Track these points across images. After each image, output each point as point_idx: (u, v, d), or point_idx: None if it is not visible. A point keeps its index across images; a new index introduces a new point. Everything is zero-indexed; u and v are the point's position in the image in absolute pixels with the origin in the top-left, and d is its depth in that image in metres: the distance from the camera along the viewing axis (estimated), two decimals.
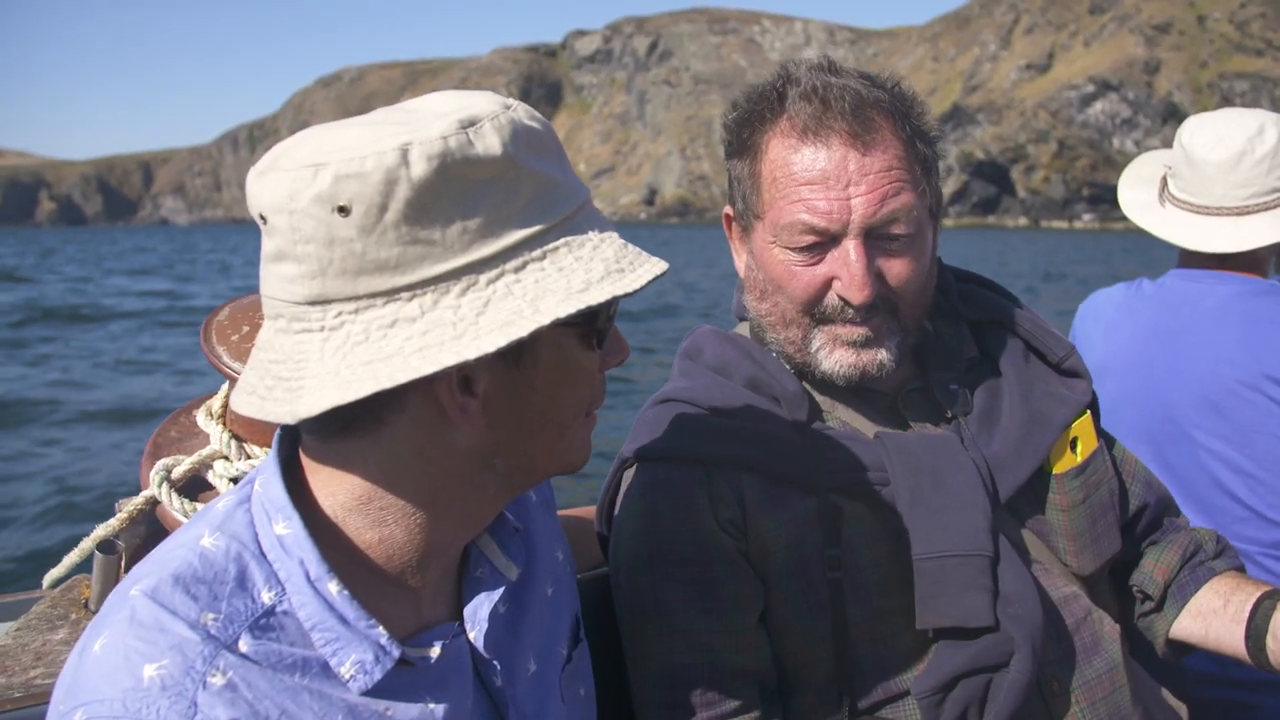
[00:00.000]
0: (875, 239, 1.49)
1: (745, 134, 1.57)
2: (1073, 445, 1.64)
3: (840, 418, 1.63)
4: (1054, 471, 1.62)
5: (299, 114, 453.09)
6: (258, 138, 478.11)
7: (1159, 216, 2.51)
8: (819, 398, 1.64)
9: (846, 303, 1.50)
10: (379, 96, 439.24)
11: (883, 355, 1.53)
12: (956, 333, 1.69)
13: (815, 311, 1.53)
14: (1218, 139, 2.39)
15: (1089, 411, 1.68)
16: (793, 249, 1.50)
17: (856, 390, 1.61)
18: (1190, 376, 2.34)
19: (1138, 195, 2.61)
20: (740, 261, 1.67)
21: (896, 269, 1.51)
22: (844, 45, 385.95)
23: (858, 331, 1.52)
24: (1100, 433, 1.72)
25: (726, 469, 1.54)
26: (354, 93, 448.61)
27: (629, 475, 1.62)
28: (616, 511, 1.61)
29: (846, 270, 1.48)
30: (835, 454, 1.54)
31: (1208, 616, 1.72)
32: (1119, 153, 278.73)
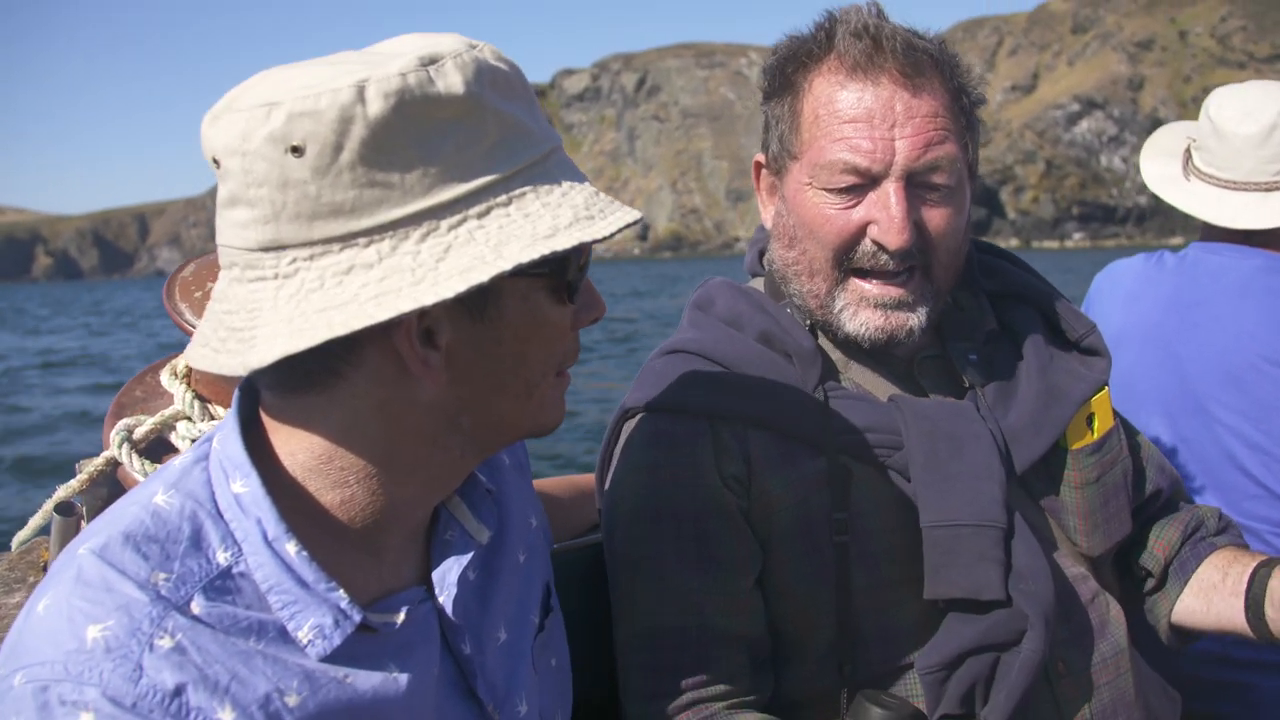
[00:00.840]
0: (916, 186, 1.45)
1: (789, 70, 1.52)
2: (1089, 422, 1.61)
3: (854, 378, 1.59)
4: (1070, 447, 1.58)
5: None
6: None
7: (1183, 190, 2.47)
8: (833, 356, 1.59)
9: (882, 248, 1.45)
10: None
11: (913, 320, 1.50)
12: (976, 304, 1.66)
13: (845, 260, 1.48)
14: (1246, 112, 2.36)
15: (1106, 388, 1.65)
16: (830, 190, 1.46)
17: (872, 352, 1.57)
18: (1210, 350, 2.31)
19: (1161, 167, 2.56)
20: (767, 213, 1.63)
21: (936, 220, 1.47)
22: None
23: (890, 292, 1.48)
24: (1116, 413, 1.69)
25: (734, 423, 1.50)
26: None
27: (630, 426, 1.58)
28: (615, 463, 1.58)
29: (885, 213, 1.43)
30: (847, 414, 1.50)
31: (1208, 592, 1.68)
32: (1107, 170, 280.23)
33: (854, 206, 1.46)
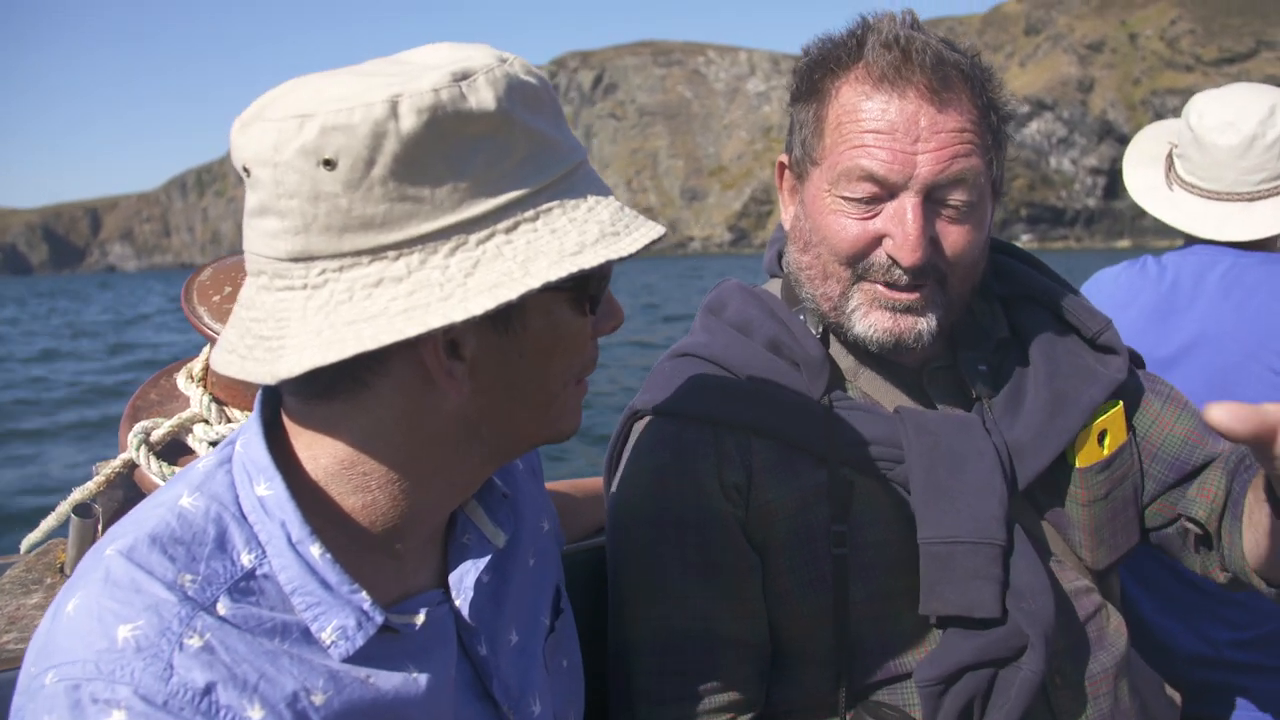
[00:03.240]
0: (934, 201, 1.43)
1: (816, 76, 1.50)
2: (1100, 439, 1.58)
3: (862, 387, 1.58)
4: (1078, 465, 1.57)
5: None
6: (206, 181, 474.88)
7: (1167, 201, 2.45)
8: (842, 364, 1.59)
9: (895, 263, 1.43)
10: None
11: (922, 325, 1.47)
12: (989, 309, 1.65)
13: (858, 267, 1.47)
14: (1227, 123, 2.32)
15: (1121, 402, 1.61)
16: (848, 198, 1.44)
17: (881, 361, 1.56)
18: (1194, 354, 2.30)
19: (1145, 176, 2.54)
20: (788, 214, 1.62)
21: (953, 237, 1.44)
22: (789, 73, 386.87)
23: (901, 297, 1.46)
24: (1131, 426, 1.65)
25: (738, 431, 1.50)
26: None
27: (638, 428, 1.58)
28: (621, 465, 1.58)
29: (901, 228, 1.41)
30: (851, 426, 1.50)
31: (1252, 514, 1.51)
32: (1056, 172, 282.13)
33: (871, 217, 1.45)
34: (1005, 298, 1.66)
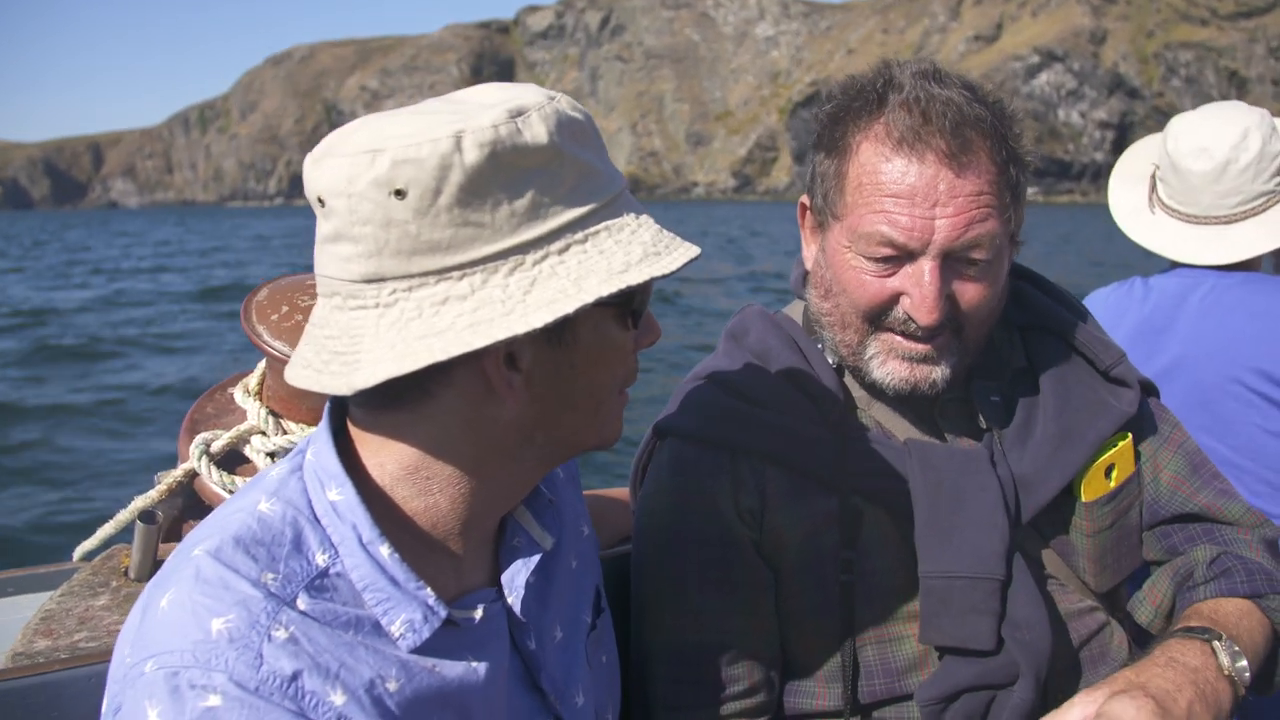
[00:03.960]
0: (953, 261, 1.47)
1: (838, 131, 1.53)
2: (1107, 473, 1.63)
3: (875, 417, 1.63)
4: (1084, 499, 1.61)
5: (249, 93, 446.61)
6: (209, 118, 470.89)
7: (1149, 224, 2.49)
8: (856, 394, 1.64)
9: (911, 319, 1.49)
10: (330, 74, 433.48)
11: (937, 374, 1.52)
12: (1007, 338, 1.69)
13: (876, 319, 1.53)
14: (1201, 148, 2.36)
15: (1130, 435, 1.65)
16: (867, 257, 1.49)
17: (897, 394, 1.61)
18: (1176, 373, 2.34)
19: (1129, 197, 2.58)
20: (809, 252, 1.66)
21: (970, 294, 1.49)
22: (798, 19, 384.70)
23: (918, 348, 1.51)
24: (1138, 454, 1.69)
25: (753, 458, 1.57)
26: (304, 71, 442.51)
27: (661, 448, 1.65)
28: (645, 482, 1.65)
29: (919, 290, 1.46)
30: (863, 456, 1.56)
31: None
32: (1064, 125, 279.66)
33: (889, 275, 1.49)
34: (1023, 327, 1.70)
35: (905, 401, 1.61)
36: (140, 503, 1.58)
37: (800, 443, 1.56)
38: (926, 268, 1.44)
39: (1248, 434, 2.26)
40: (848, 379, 1.64)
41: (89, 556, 1.68)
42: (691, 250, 1.11)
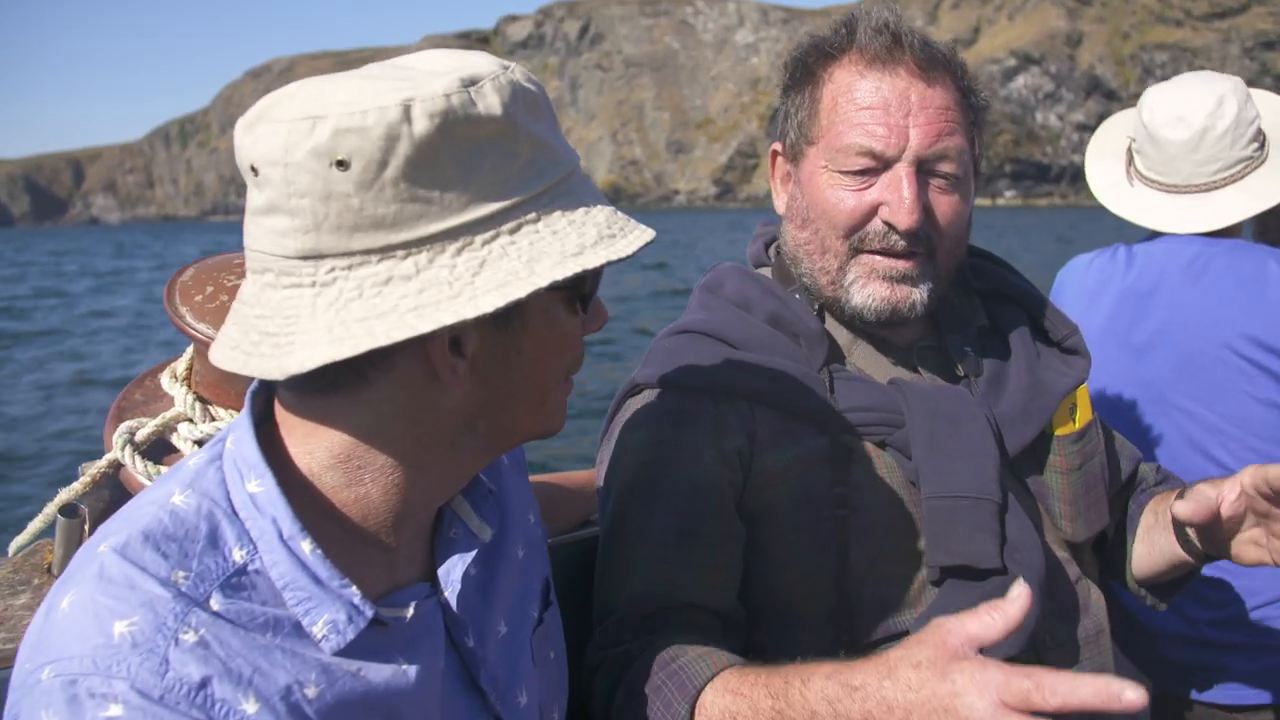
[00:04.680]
0: (925, 172, 1.54)
1: (810, 61, 1.61)
2: (1071, 412, 1.70)
3: (857, 362, 1.66)
4: (1055, 433, 1.67)
5: (229, 107, 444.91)
6: (189, 132, 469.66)
7: (1128, 197, 2.49)
8: (839, 339, 1.67)
9: (892, 228, 1.53)
10: None
11: (916, 295, 1.57)
12: (968, 302, 1.74)
13: (855, 239, 1.56)
14: (1177, 117, 2.36)
15: (1085, 385, 1.73)
16: (844, 172, 1.54)
17: (875, 338, 1.66)
18: (1163, 339, 2.34)
19: (1106, 171, 2.58)
20: (781, 199, 1.71)
21: (943, 206, 1.55)
22: (777, 25, 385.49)
23: (897, 265, 1.56)
24: (1093, 408, 1.77)
25: (740, 401, 1.58)
26: (283, 83, 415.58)
27: (635, 401, 1.64)
28: (617, 435, 1.64)
29: (896, 195, 1.51)
30: (851, 395, 1.58)
31: (1148, 534, 1.78)
32: (1042, 127, 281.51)
33: (867, 189, 1.54)
34: (983, 294, 1.76)
35: (885, 347, 1.66)
36: (64, 495, 1.50)
37: (789, 383, 1.57)
38: (903, 173, 1.51)
39: (1236, 400, 2.26)
40: (829, 325, 1.66)
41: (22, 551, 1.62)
42: (647, 233, 1.07)
